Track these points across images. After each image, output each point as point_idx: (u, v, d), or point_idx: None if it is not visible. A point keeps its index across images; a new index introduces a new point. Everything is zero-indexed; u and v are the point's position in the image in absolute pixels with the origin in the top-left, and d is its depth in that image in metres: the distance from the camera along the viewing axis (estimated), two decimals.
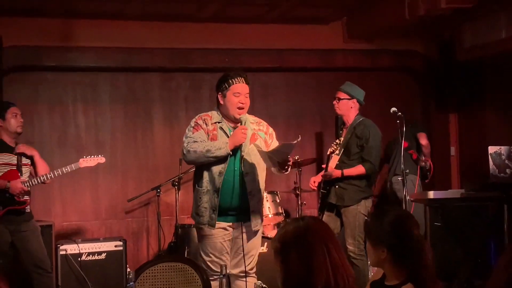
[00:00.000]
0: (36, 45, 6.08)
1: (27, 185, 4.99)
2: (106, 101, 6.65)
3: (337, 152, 5.15)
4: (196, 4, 5.97)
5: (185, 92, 6.85)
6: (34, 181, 5.04)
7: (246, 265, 4.09)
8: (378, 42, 6.94)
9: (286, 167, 4.00)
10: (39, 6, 5.79)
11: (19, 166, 5.06)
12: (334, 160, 5.19)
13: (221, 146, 3.93)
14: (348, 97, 5.21)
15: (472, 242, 5.14)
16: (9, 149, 5.08)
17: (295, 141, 3.84)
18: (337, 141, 5.14)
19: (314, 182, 5.27)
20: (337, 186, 5.16)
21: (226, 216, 4.05)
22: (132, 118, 6.71)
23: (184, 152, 4.01)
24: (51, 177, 5.11)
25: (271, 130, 4.26)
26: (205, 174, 4.03)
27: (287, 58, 6.82)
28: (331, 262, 2.06)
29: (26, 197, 5.04)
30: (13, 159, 5.06)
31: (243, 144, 4.00)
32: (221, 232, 4.04)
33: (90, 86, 6.61)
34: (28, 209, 5.09)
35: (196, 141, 3.99)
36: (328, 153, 5.21)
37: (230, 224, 4.06)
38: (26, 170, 5.12)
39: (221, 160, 3.98)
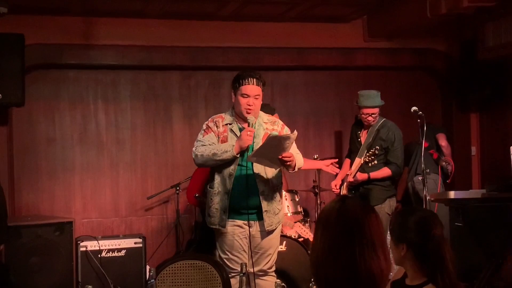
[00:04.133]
0: (57, 43, 6.13)
1: None
2: (127, 99, 6.69)
3: (364, 159, 5.12)
4: (216, 3, 5.97)
5: (205, 90, 6.87)
6: None
7: (264, 264, 4.11)
8: (399, 41, 6.89)
9: (286, 163, 3.93)
10: (61, 4, 5.83)
11: None
12: (357, 163, 5.19)
13: (227, 149, 3.94)
14: (377, 109, 5.23)
15: (493, 242, 5.09)
16: None
17: (286, 134, 3.84)
18: (372, 151, 5.07)
19: (336, 186, 5.29)
20: (361, 187, 5.19)
21: (241, 215, 4.05)
22: (152, 116, 6.74)
23: (193, 156, 4.07)
24: None
25: (286, 129, 4.22)
26: (216, 176, 4.06)
27: (307, 57, 6.80)
28: (353, 258, 1.86)
29: None
30: None
31: (254, 144, 3.98)
32: (237, 230, 4.06)
33: (111, 84, 6.66)
34: None
35: (204, 145, 4.02)
36: (362, 161, 5.14)
37: (246, 222, 4.06)
38: None
39: (230, 162, 3.99)
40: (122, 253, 5.79)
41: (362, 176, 5.13)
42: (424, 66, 7.22)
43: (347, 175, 5.26)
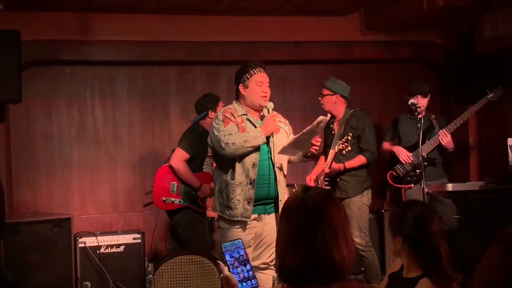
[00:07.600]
0: (54, 39, 6.11)
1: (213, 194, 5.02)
2: (124, 95, 6.67)
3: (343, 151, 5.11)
4: None
5: (202, 85, 6.85)
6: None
7: (267, 256, 4.16)
8: (396, 33, 6.87)
9: (314, 146, 4.07)
10: (57, 0, 5.81)
11: None
12: (331, 154, 5.20)
13: (256, 135, 3.95)
14: (331, 93, 5.27)
15: (491, 234, 5.09)
16: None
17: (321, 119, 3.91)
18: (344, 139, 5.08)
19: (311, 180, 5.32)
20: (338, 179, 5.20)
21: (255, 206, 4.07)
22: (150, 112, 6.73)
23: (222, 145, 3.96)
24: None
25: (287, 122, 4.34)
26: (237, 167, 4.02)
27: (304, 50, 6.79)
28: (314, 245, 1.85)
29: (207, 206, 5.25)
30: None
31: (271, 134, 4.04)
32: (248, 225, 4.07)
33: (108, 79, 6.64)
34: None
35: (231, 134, 3.98)
36: (336, 150, 5.15)
37: (256, 216, 4.08)
38: None
39: (253, 151, 4.00)
40: (121, 249, 5.79)
41: (337, 166, 5.15)
42: (421, 59, 7.20)
43: (323, 170, 5.28)
